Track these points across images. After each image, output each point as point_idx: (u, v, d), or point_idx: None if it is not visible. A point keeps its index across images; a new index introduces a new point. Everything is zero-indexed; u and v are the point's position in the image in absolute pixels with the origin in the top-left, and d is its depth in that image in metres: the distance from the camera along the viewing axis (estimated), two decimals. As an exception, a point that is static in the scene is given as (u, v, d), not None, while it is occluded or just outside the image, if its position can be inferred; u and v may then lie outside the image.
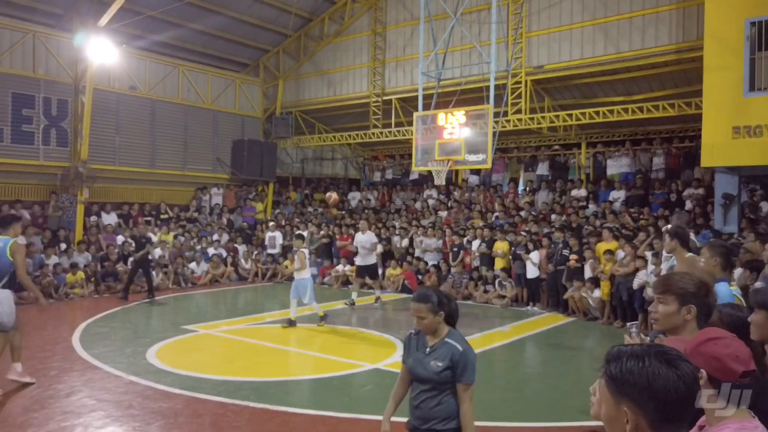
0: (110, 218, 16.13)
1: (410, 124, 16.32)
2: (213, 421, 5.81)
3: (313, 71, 20.62)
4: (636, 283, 10.62)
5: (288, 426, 5.72)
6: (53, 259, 13.72)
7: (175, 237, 16.73)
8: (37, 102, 15.22)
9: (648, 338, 3.12)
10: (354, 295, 12.80)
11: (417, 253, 15.66)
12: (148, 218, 17.08)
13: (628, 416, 1.42)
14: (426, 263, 15.20)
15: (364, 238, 13.20)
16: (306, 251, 10.75)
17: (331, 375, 7.51)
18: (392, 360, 8.21)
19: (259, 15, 18.59)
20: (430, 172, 15.44)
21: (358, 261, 13.22)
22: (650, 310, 2.68)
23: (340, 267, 16.17)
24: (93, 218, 15.74)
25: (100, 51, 14.48)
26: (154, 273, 14.67)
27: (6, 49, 14.63)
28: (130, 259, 14.37)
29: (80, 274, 13.60)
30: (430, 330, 3.31)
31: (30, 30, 15.06)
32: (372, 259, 13.19)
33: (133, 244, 14.61)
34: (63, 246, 14.37)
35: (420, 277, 14.96)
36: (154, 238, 15.77)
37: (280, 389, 6.88)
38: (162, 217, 17.44)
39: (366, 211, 19.47)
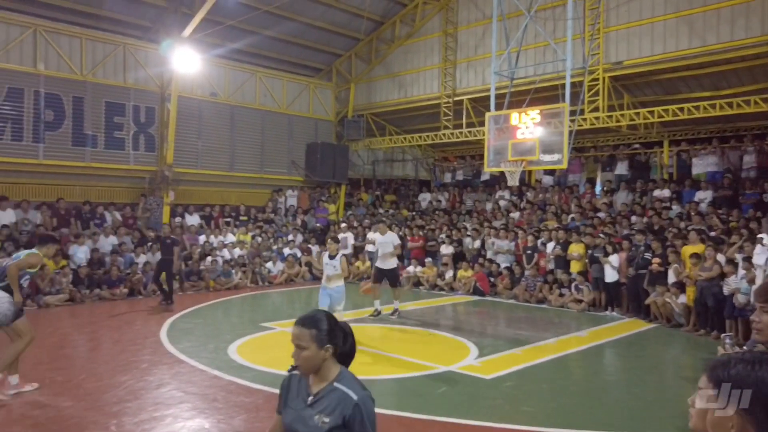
0: (193, 219, 16.93)
1: (482, 124, 16.15)
2: (292, 417, 5.98)
3: (384, 74, 20.81)
4: (726, 290, 10.02)
5: (364, 425, 5.81)
6: (142, 258, 14.56)
7: (253, 237, 17.36)
8: (127, 110, 16.21)
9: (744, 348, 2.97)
10: (377, 304, 11.59)
11: (489, 254, 15.48)
12: (228, 219, 17.82)
13: (734, 421, 1.40)
14: (498, 265, 15.00)
15: (385, 239, 11.97)
16: (344, 255, 10.15)
17: (404, 376, 7.56)
18: (465, 363, 8.17)
19: (332, 20, 18.97)
20: (502, 172, 15.23)
21: (378, 263, 11.95)
22: (752, 319, 2.54)
23: (411, 268, 16.23)
24: (177, 219, 16.58)
25: (185, 60, 15.26)
26: (232, 272, 15.31)
27: (100, 61, 15.67)
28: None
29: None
30: (312, 368, 2.49)
31: (121, 42, 16.06)
32: (393, 263, 11.88)
33: (160, 246, 13.53)
34: (150, 245, 15.21)
35: (492, 279, 14.79)
36: (231, 238, 16.46)
37: (355, 388, 6.99)
38: (241, 218, 18.14)
39: (436, 212, 19.44)
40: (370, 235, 17.75)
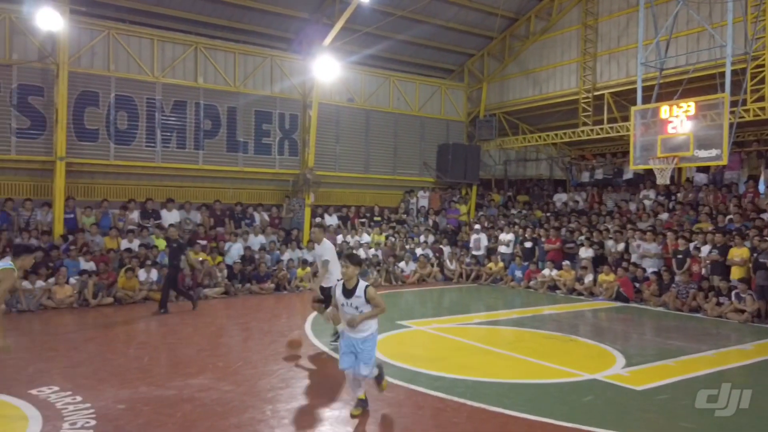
0: (332, 220, 17.74)
1: (625, 119, 15.22)
2: (433, 415, 6.06)
3: (518, 71, 20.34)
4: None
5: (507, 428, 5.73)
6: (287, 255, 15.53)
7: (387, 238, 17.80)
8: (274, 117, 17.40)
9: None
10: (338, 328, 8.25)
11: (634, 258, 14.51)
12: (363, 219, 18.45)
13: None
14: (644, 270, 14.02)
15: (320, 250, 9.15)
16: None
17: (546, 381, 7.33)
18: (612, 371, 7.74)
19: (464, 20, 18.91)
20: (648, 171, 14.23)
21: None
22: None
23: (546, 271, 15.68)
24: (317, 219, 17.47)
25: (325, 68, 16.05)
26: (369, 271, 15.78)
27: (250, 73, 16.96)
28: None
29: (308, 270, 15.19)
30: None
31: (268, 54, 17.26)
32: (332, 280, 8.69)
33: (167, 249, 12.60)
34: (294, 244, 16.19)
35: (637, 284, 13.85)
36: (366, 238, 16.99)
37: (495, 390, 6.91)
38: (375, 219, 18.69)
39: (573, 213, 18.62)
40: (502, 236, 17.50)
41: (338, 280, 7.91)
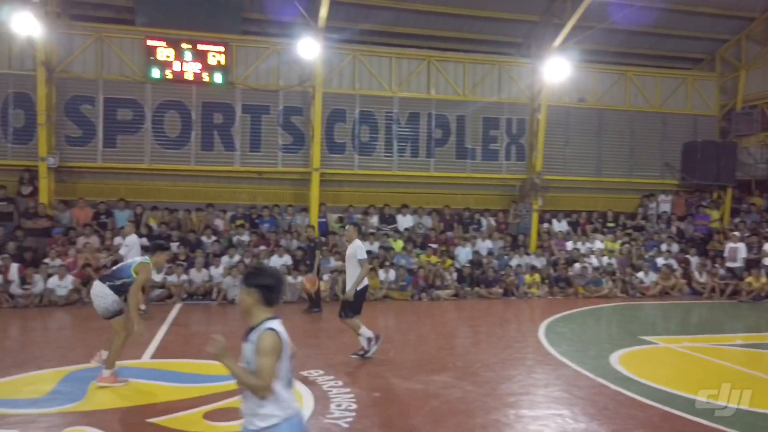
0: (561, 225, 17.19)
1: None
2: (695, 443, 5.52)
3: (787, 54, 17.40)
4: None
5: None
6: (515, 261, 15.48)
7: (622, 245, 16.63)
8: (501, 123, 17.50)
9: None
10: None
11: None
12: (594, 225, 17.50)
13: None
14: None
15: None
16: None
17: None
18: None
19: (716, 3, 16.80)
20: None
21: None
22: None
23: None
24: (545, 225, 17.08)
25: (555, 70, 15.64)
26: (603, 280, 14.94)
27: (478, 81, 17.31)
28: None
29: (536, 276, 14.96)
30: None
31: (496, 61, 17.42)
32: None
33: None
34: (521, 250, 16.06)
35: None
36: (599, 245, 16.07)
37: (770, 425, 6.03)
38: (608, 224, 17.59)
39: None
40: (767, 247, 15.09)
41: (357, 289, 8.31)
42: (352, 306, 8.42)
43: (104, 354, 7.17)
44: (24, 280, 12.27)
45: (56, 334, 10.26)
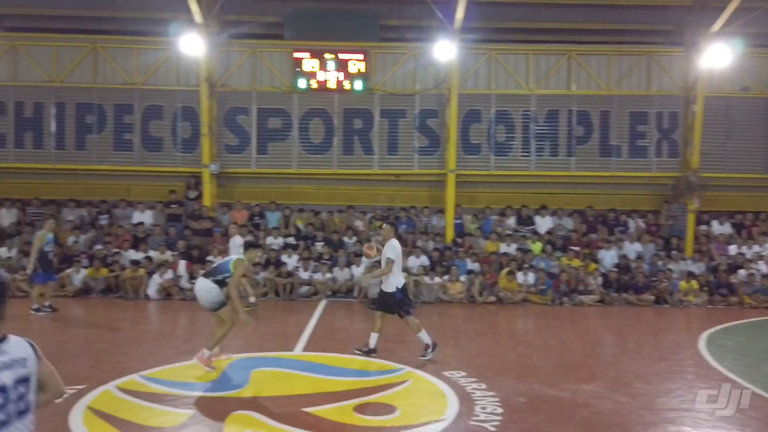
0: (723, 228, 15.63)
1: None
2: None
3: None
4: None
5: None
6: (669, 266, 14.33)
7: (798, 250, 14.74)
8: (650, 117, 16.29)
9: None
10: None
11: None
12: (763, 228, 15.68)
13: None
14: None
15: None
16: None
17: None
18: None
19: None
20: None
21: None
22: None
23: None
24: (703, 227, 15.63)
25: (714, 58, 14.26)
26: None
27: (625, 74, 16.27)
28: None
29: (694, 283, 13.74)
30: None
31: (644, 52, 16.23)
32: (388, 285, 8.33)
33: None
34: (675, 254, 14.83)
35: None
36: (763, 252, 14.36)
37: None
38: (781, 227, 15.68)
39: None
40: None
41: (397, 287, 8.08)
42: (401, 305, 8.27)
43: (218, 352, 7.79)
44: (191, 275, 13.64)
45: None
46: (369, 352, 8.25)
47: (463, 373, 7.51)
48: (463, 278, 13.97)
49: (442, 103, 16.09)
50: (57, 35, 15.93)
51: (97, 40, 15.87)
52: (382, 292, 8.40)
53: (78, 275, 13.52)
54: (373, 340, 8.31)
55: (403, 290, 8.31)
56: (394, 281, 8.21)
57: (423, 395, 6.71)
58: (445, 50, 14.46)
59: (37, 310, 11.19)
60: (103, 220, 15.51)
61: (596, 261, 14.63)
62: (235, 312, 7.49)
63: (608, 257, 14.69)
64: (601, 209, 16.23)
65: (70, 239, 14.71)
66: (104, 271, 13.62)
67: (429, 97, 16.27)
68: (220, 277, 7.47)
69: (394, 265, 8.15)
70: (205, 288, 7.47)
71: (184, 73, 16.01)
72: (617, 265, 14.43)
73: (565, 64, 16.29)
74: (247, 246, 8.18)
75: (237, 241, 12.42)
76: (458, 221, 15.87)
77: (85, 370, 7.32)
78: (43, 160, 16.01)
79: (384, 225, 8.92)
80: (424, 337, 8.23)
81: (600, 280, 14.05)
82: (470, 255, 14.76)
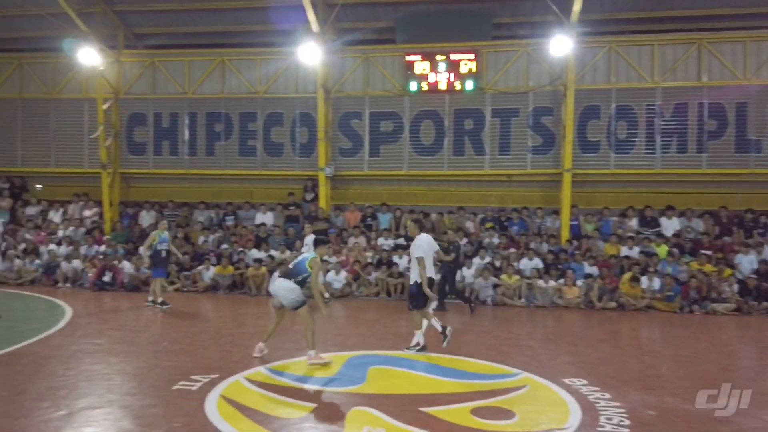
0: None
1: None
2: None
3: None
4: None
5: None
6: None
7: None
8: (797, 108, 14.70)
9: None
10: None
11: None
12: None
13: None
14: None
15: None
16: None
17: None
18: None
19: None
20: None
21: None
22: None
23: None
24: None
25: None
26: None
27: (765, 61, 14.80)
28: None
29: None
30: None
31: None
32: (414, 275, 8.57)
33: None
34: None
35: None
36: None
37: None
38: None
39: None
40: None
41: (416, 281, 8.31)
42: (411, 299, 8.61)
43: (265, 348, 8.13)
44: (308, 274, 14.22)
45: (334, 323, 11.67)
46: (422, 350, 8.48)
47: (584, 381, 7.18)
48: (580, 282, 13.40)
49: (558, 100, 15.55)
50: (189, 50, 17.34)
51: (224, 54, 17.08)
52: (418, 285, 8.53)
53: (208, 272, 14.58)
54: (419, 337, 8.56)
55: (419, 285, 8.40)
56: (414, 275, 8.49)
57: (543, 402, 6.50)
58: (561, 45, 13.99)
59: (152, 303, 11.94)
60: (229, 221, 16.63)
61: (731, 266, 13.42)
62: (318, 308, 7.86)
63: (746, 262, 13.42)
64: (737, 210, 14.87)
65: (201, 239, 15.92)
66: (230, 269, 14.58)
67: (543, 95, 15.79)
68: (299, 278, 7.78)
69: (423, 260, 8.34)
70: (287, 287, 7.75)
71: (302, 81, 16.76)
72: (756, 271, 13.15)
73: (695, 54, 15.14)
74: (317, 243, 8.40)
75: (309, 240, 12.96)
76: (574, 222, 15.25)
77: (216, 360, 7.87)
78: (178, 166, 17.48)
79: (409, 222, 9.00)
80: (420, 336, 8.53)
81: (736, 287, 12.87)
82: (588, 258, 14.12)
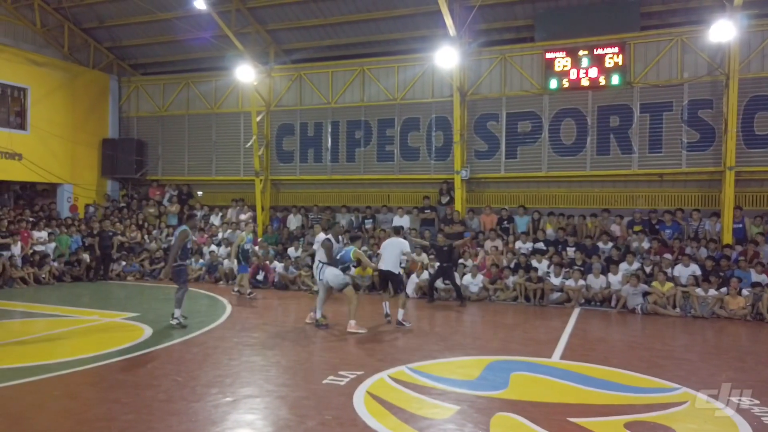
0: None
1: None
2: None
3: None
4: None
5: None
6: None
7: None
8: None
9: None
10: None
11: None
12: None
13: None
14: None
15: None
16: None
17: None
18: None
19: None
20: None
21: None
22: None
23: None
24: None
25: None
26: None
27: None
28: None
29: None
30: None
31: None
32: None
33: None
34: None
35: None
36: None
37: None
38: None
39: None
40: None
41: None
42: (400, 283, 10.95)
43: (318, 314, 10.32)
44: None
45: (473, 326, 11.62)
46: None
47: (756, 401, 6.48)
48: (746, 291, 12.07)
49: (718, 91, 14.19)
50: (332, 62, 18.27)
51: (364, 63, 17.77)
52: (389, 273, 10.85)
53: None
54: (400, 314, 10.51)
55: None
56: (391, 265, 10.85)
57: (707, 420, 5.97)
58: (723, 31, 12.73)
59: (238, 292, 13.91)
60: (368, 224, 17.22)
61: None
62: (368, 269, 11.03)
63: None
64: None
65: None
66: (369, 271, 15.08)
67: (700, 87, 14.51)
68: (343, 266, 10.16)
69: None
70: (336, 273, 9.99)
71: (438, 85, 16.93)
72: None
73: None
74: (353, 239, 11.73)
75: (320, 237, 13.04)
76: (738, 225, 13.80)
77: (361, 358, 8.21)
78: (321, 172, 18.48)
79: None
80: (400, 314, 10.43)
81: None
82: (755, 265, 12.68)
